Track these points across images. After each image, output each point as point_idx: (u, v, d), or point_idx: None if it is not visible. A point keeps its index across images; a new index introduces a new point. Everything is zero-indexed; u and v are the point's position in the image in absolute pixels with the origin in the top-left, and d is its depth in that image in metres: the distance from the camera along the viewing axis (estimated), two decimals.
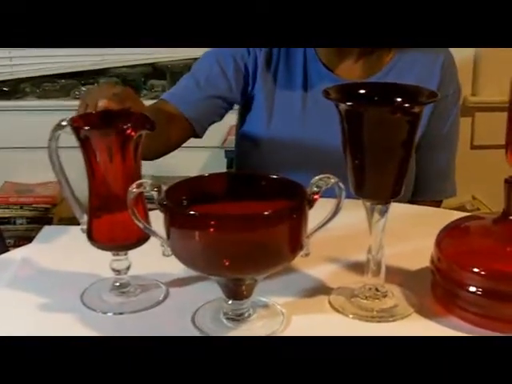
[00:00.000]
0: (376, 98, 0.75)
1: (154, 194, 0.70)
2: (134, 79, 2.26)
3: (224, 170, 1.96)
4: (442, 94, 0.72)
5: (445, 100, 1.24)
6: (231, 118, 1.31)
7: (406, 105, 0.73)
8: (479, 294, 0.74)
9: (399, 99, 0.74)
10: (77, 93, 2.21)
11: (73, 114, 0.77)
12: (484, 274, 0.74)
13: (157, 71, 2.27)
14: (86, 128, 0.74)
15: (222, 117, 1.27)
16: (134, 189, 0.71)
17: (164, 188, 0.71)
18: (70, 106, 2.03)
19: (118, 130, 0.74)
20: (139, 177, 0.77)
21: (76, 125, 0.74)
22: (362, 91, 0.76)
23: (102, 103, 0.81)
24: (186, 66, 2.13)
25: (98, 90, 0.88)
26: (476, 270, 0.74)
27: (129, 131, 0.73)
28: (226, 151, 1.99)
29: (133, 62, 2.22)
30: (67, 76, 2.24)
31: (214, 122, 1.26)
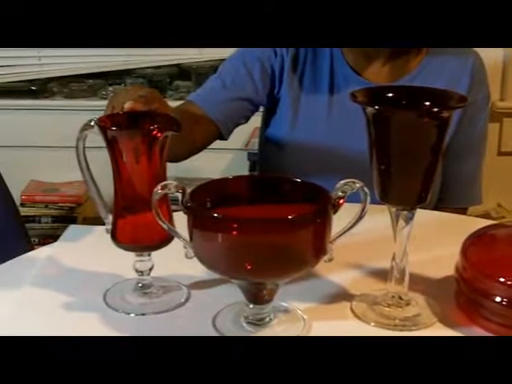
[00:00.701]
0: (404, 102, 0.74)
1: (179, 195, 0.70)
2: (160, 80, 2.26)
3: (246, 172, 1.96)
4: (471, 98, 0.70)
5: (474, 105, 1.23)
6: (254, 120, 1.30)
7: (435, 109, 0.72)
8: (504, 305, 0.73)
9: (427, 103, 0.73)
10: (104, 93, 2.22)
11: (100, 114, 0.78)
12: (510, 283, 0.72)
13: (182, 72, 2.28)
14: (113, 128, 0.75)
15: (247, 119, 1.27)
16: (158, 190, 0.71)
17: (188, 190, 0.71)
18: (96, 106, 2.05)
19: (145, 130, 0.75)
20: (164, 178, 0.77)
21: (103, 125, 0.75)
22: (389, 95, 0.75)
23: (128, 105, 0.82)
24: (211, 67, 2.14)
25: (125, 92, 0.89)
26: (502, 279, 0.73)
27: (155, 132, 0.73)
28: (248, 153, 1.99)
29: (159, 62, 2.23)
30: (94, 76, 2.25)
31: (239, 124, 1.26)
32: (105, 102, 0.89)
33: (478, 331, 0.75)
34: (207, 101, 1.20)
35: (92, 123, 0.76)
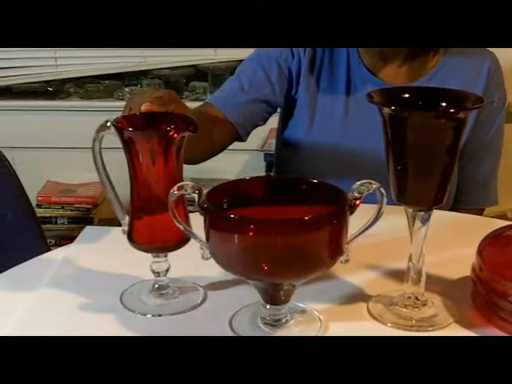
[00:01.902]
0: (420, 103, 0.74)
1: (195, 196, 0.70)
2: (176, 81, 2.27)
3: (263, 173, 1.96)
4: (487, 100, 0.70)
5: (490, 106, 1.22)
6: (271, 120, 1.31)
7: (452, 110, 0.72)
8: None
9: (444, 104, 0.73)
10: (120, 94, 2.23)
11: (116, 115, 0.78)
12: None
13: (199, 73, 2.28)
14: (130, 129, 0.75)
15: (265, 121, 1.27)
16: (175, 191, 0.71)
17: (205, 191, 0.71)
18: (113, 107, 2.06)
19: (161, 131, 0.75)
20: (181, 179, 0.77)
21: (120, 126, 0.75)
22: (406, 95, 0.75)
23: (145, 106, 0.82)
24: (227, 68, 2.14)
25: (141, 94, 0.89)
26: None
27: (171, 133, 0.74)
28: (265, 154, 1.99)
29: (175, 63, 2.24)
30: (111, 77, 2.27)
31: (257, 126, 1.26)
32: (121, 103, 0.90)
33: (494, 332, 0.75)
34: (226, 103, 1.21)
35: (108, 124, 0.76)
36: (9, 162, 1.32)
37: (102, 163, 0.80)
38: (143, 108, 0.82)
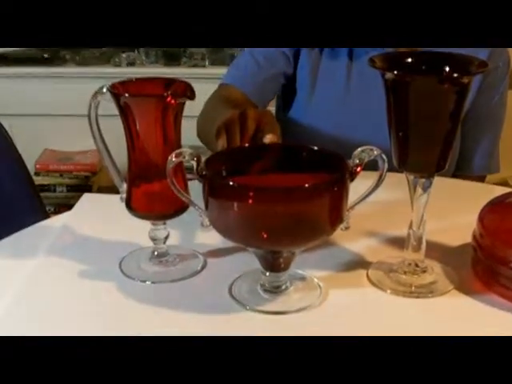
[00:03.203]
0: (423, 68, 0.73)
1: (194, 163, 0.70)
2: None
3: None
4: (491, 65, 0.69)
5: (494, 72, 1.21)
6: None
7: (455, 75, 0.71)
8: None
9: (448, 69, 0.72)
10: (116, 60, 2.20)
11: (113, 81, 0.77)
12: None
13: None
14: (126, 95, 0.74)
15: (276, 94, 1.29)
16: (173, 158, 0.70)
17: (203, 158, 0.70)
18: (109, 74, 2.04)
19: (158, 97, 0.74)
20: (179, 146, 0.76)
21: (116, 91, 0.74)
22: (408, 60, 0.74)
23: (269, 140, 0.83)
24: None
25: (241, 118, 0.88)
26: None
27: (169, 99, 0.73)
28: None
29: None
30: None
31: (271, 100, 1.28)
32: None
33: (494, 298, 0.75)
34: (246, 83, 1.21)
35: (104, 90, 0.75)
36: (6, 130, 1.31)
37: (99, 130, 0.79)
38: (268, 141, 0.82)
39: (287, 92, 1.28)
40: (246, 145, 0.84)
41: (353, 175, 0.69)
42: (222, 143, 0.84)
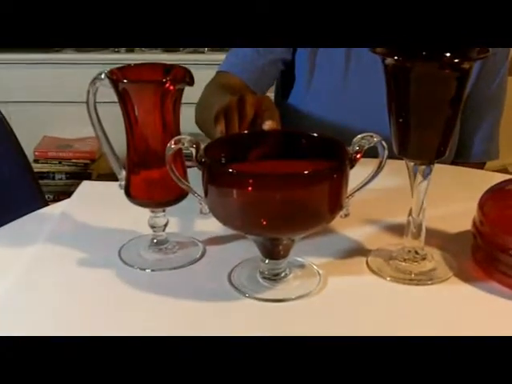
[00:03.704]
0: (424, 53, 0.73)
1: (193, 150, 0.69)
2: None
3: None
4: (492, 50, 0.69)
5: (494, 57, 1.21)
6: None
7: (456, 60, 0.70)
8: None
9: (448, 54, 0.71)
10: None
11: (111, 67, 0.77)
12: None
13: None
14: (124, 81, 0.73)
15: (274, 81, 1.29)
16: (172, 145, 0.70)
17: (202, 145, 0.70)
18: (109, 60, 2.03)
19: (157, 83, 0.73)
20: (178, 133, 0.76)
21: (114, 77, 0.73)
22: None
23: (269, 127, 0.82)
24: None
25: (239, 104, 0.88)
26: None
27: (167, 85, 0.72)
28: None
29: None
30: None
31: (270, 87, 1.27)
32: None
33: (494, 285, 0.75)
34: (244, 70, 1.21)
35: (102, 76, 0.74)
36: (4, 117, 1.30)
37: (97, 117, 0.78)
38: (267, 128, 0.82)
39: (286, 79, 1.27)
40: (246, 131, 0.84)
41: (352, 162, 0.69)
42: (220, 129, 0.84)
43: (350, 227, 0.86)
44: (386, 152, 0.70)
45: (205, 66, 1.76)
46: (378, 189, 0.77)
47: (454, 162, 1.25)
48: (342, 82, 1.21)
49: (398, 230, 0.84)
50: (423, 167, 0.73)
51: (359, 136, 0.69)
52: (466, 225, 0.81)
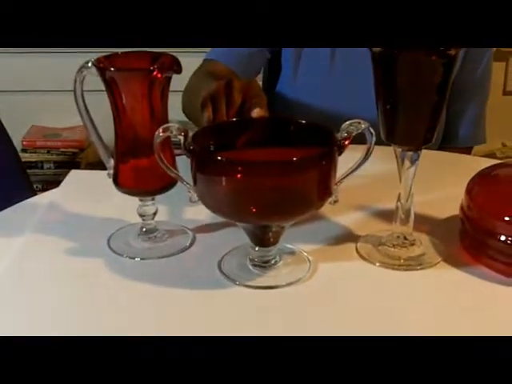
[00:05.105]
0: None
1: (181, 138, 0.69)
2: None
3: None
4: None
5: None
6: None
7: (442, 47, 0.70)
8: (509, 243, 0.72)
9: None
10: None
11: (100, 55, 0.76)
12: None
13: None
14: (111, 69, 0.73)
15: (261, 69, 1.28)
16: (160, 133, 0.70)
17: (191, 133, 0.70)
18: (95, 48, 2.02)
19: (144, 71, 0.73)
20: (166, 121, 0.76)
21: (101, 66, 0.73)
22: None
23: (257, 114, 0.82)
24: None
25: (226, 89, 0.87)
26: (507, 218, 0.72)
27: (155, 73, 0.72)
28: None
29: None
30: None
31: (257, 75, 1.26)
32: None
33: (482, 270, 0.75)
34: (231, 58, 1.19)
35: (89, 64, 0.74)
36: None
37: (85, 105, 0.78)
38: (256, 115, 0.81)
39: (273, 67, 1.27)
40: (234, 119, 0.84)
41: (341, 149, 0.69)
42: (207, 115, 0.84)
43: (339, 213, 0.86)
44: (374, 138, 0.70)
45: (192, 53, 1.74)
46: (367, 175, 0.77)
47: (441, 147, 1.25)
48: (328, 69, 1.21)
49: (386, 215, 0.84)
50: (411, 153, 0.74)
51: (347, 122, 0.69)
52: (454, 210, 0.81)
